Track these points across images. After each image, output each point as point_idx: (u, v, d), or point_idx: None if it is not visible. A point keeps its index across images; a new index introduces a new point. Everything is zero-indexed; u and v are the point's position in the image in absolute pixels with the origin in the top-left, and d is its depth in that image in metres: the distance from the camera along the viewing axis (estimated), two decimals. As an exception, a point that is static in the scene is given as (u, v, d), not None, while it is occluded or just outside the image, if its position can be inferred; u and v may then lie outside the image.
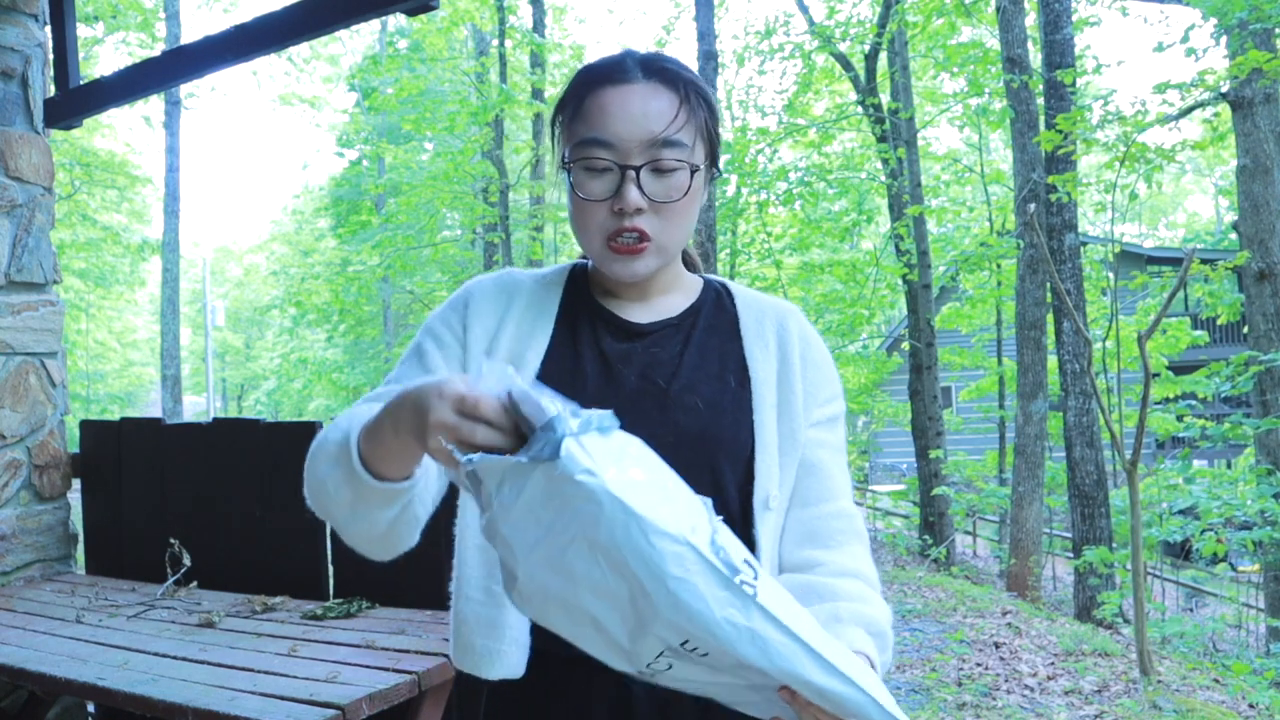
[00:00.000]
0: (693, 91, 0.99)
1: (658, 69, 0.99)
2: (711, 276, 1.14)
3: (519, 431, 0.72)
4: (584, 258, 1.12)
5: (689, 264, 1.14)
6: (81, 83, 3.31)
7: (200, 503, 2.82)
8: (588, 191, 0.97)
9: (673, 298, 1.08)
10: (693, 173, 0.98)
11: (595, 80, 0.98)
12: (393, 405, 0.81)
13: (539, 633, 0.97)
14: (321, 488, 0.90)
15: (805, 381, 1.05)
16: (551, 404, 0.69)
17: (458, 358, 1.04)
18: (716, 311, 1.09)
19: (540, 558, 0.70)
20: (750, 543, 1.01)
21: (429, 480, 0.93)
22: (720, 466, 0.99)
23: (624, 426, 0.90)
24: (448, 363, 1.03)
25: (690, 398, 1.00)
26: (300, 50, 18.56)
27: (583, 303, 1.07)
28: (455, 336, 1.05)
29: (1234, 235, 9.05)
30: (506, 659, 0.97)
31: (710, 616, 0.68)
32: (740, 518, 1.00)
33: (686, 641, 0.70)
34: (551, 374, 0.99)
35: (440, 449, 0.74)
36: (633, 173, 0.95)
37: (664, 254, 1.00)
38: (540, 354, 1.01)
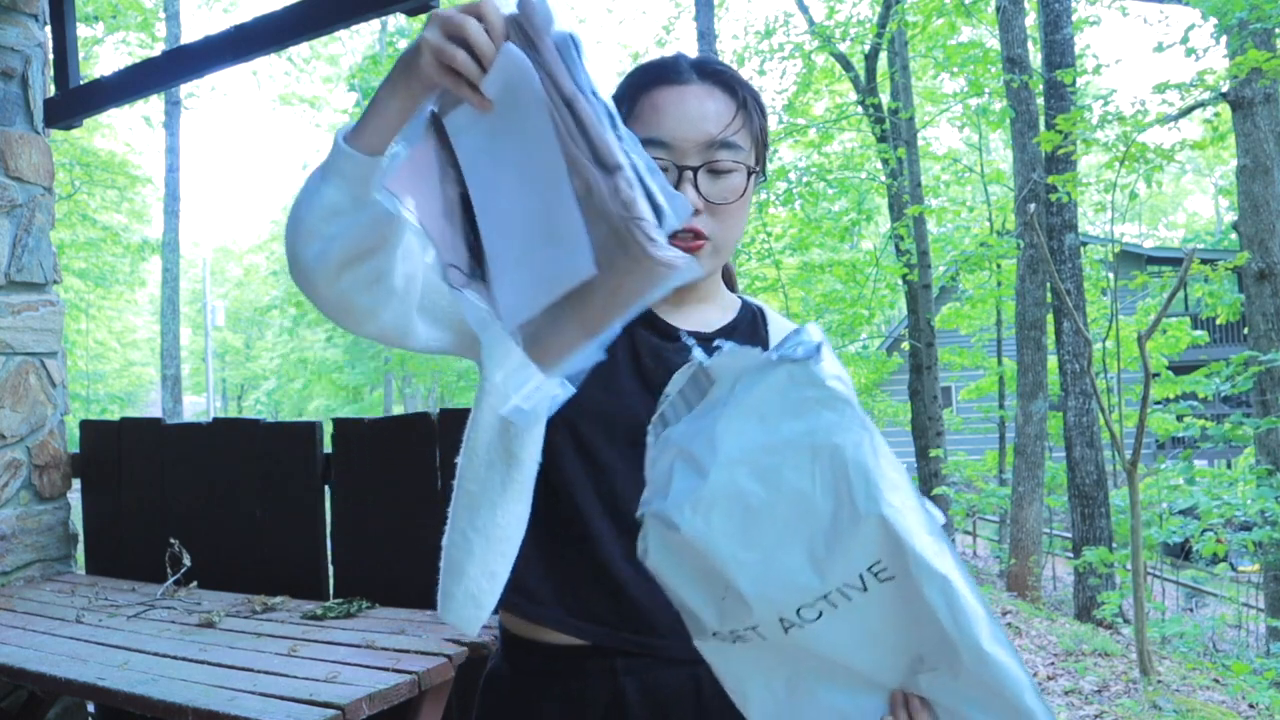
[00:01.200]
0: (748, 95, 0.99)
1: (712, 71, 0.98)
2: (749, 298, 1.14)
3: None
4: None
5: (728, 281, 1.13)
6: (81, 83, 3.31)
7: (200, 503, 2.82)
8: None
9: (708, 310, 1.06)
10: (749, 175, 0.98)
11: (649, 80, 0.97)
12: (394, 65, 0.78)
13: (563, 622, 0.96)
14: (302, 196, 0.85)
15: None
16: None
17: None
18: (750, 334, 1.08)
19: (748, 461, 0.70)
20: None
21: (409, 253, 0.87)
22: None
23: (636, 412, 0.92)
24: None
25: None
26: (300, 50, 18.56)
27: None
28: None
29: (1234, 235, 9.05)
30: (459, 607, 0.96)
31: (911, 546, 0.68)
32: None
33: (877, 563, 0.69)
34: None
35: (425, 62, 0.73)
36: (690, 173, 0.94)
37: (719, 256, 1.00)
38: None
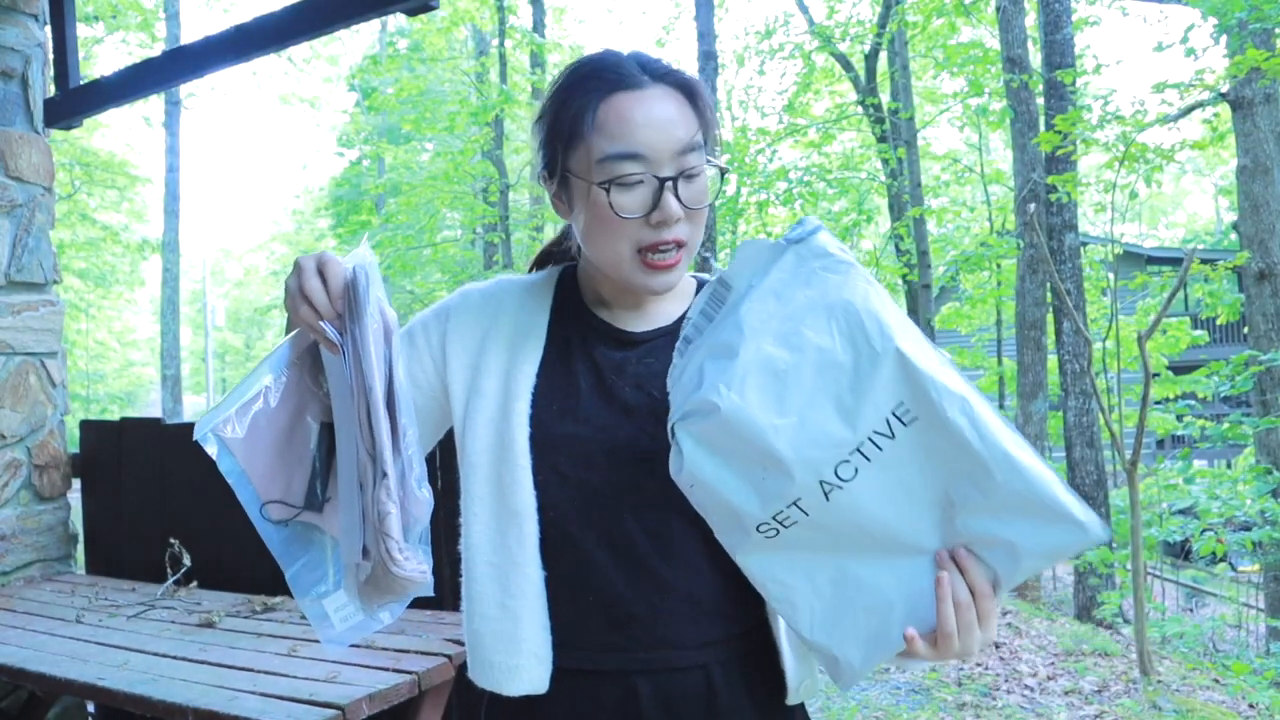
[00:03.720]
0: (699, 93, 0.97)
1: (663, 72, 0.96)
2: (703, 275, 1.11)
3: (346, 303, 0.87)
4: (572, 260, 1.10)
5: None
6: (81, 83, 3.31)
7: (200, 503, 2.81)
8: (625, 209, 0.92)
9: (667, 303, 1.05)
10: (721, 174, 0.98)
11: (605, 88, 0.94)
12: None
13: (562, 651, 0.97)
14: None
15: None
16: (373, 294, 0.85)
17: (435, 367, 1.04)
18: None
19: (772, 332, 0.76)
20: None
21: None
22: None
23: (616, 437, 0.96)
24: (421, 361, 1.04)
25: None
26: (300, 50, 18.57)
27: (573, 312, 1.04)
28: (430, 348, 1.05)
29: (1234, 235, 9.05)
30: (527, 674, 0.96)
31: (928, 374, 0.73)
32: None
33: (900, 404, 0.73)
34: (545, 389, 0.98)
35: (290, 298, 0.88)
36: (671, 183, 0.92)
37: (691, 258, 0.99)
38: (534, 369, 1.00)
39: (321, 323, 0.87)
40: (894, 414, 0.74)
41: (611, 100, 0.93)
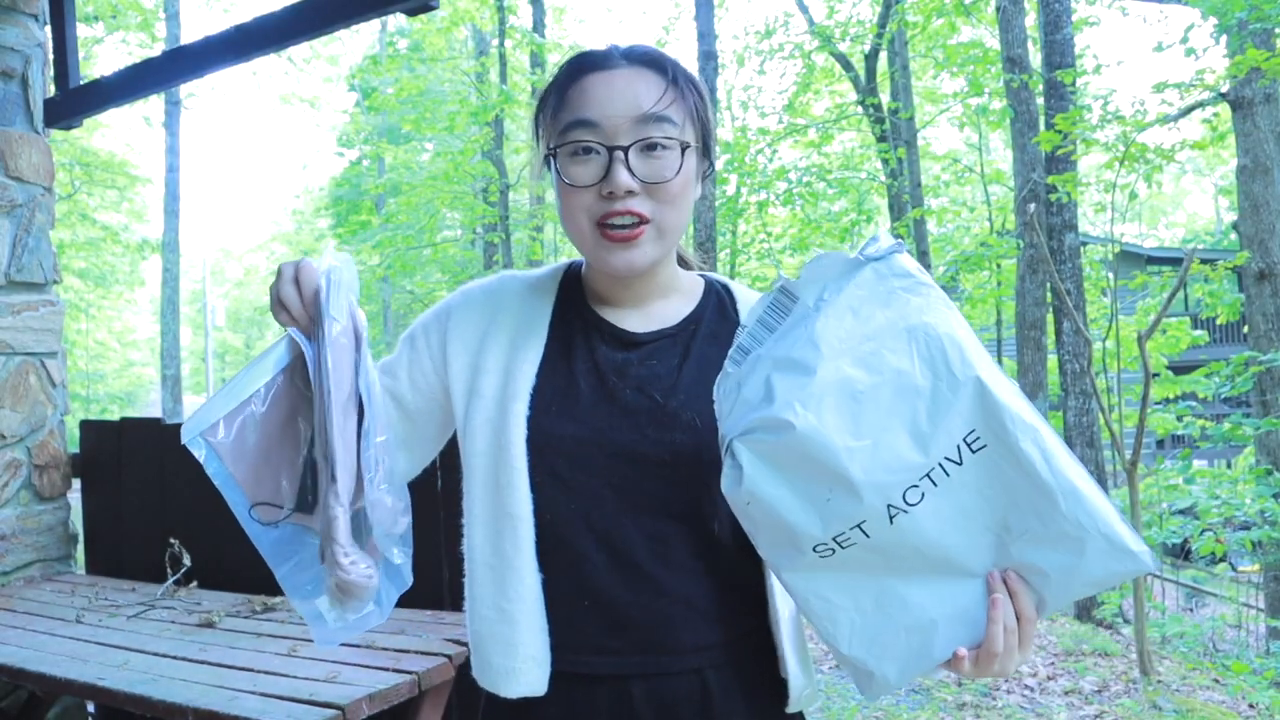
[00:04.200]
0: (680, 74, 0.96)
1: (641, 54, 0.96)
2: (713, 276, 1.09)
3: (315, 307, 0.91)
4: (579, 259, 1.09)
5: (684, 263, 1.09)
6: (81, 83, 3.31)
7: (200, 503, 2.81)
8: (573, 177, 0.92)
9: (671, 303, 1.03)
10: (683, 150, 0.93)
11: (578, 70, 0.96)
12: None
13: (560, 654, 0.96)
14: None
15: None
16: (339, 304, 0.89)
17: (435, 369, 1.04)
18: (719, 318, 1.04)
19: (851, 353, 0.75)
20: (748, 568, 0.98)
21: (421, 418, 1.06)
22: (715, 487, 0.92)
23: (616, 440, 0.95)
24: (421, 364, 1.04)
25: (688, 414, 0.95)
26: (300, 50, 18.57)
27: (576, 311, 1.03)
28: (430, 350, 1.04)
29: (1234, 235, 9.05)
30: (525, 677, 0.96)
31: (1004, 404, 0.73)
32: (731, 543, 0.96)
33: (971, 432, 0.74)
34: (544, 390, 0.97)
35: (271, 301, 0.92)
36: (620, 153, 0.90)
37: (663, 240, 0.95)
38: (534, 368, 0.98)
39: (290, 329, 0.91)
40: (965, 440, 0.74)
41: (581, 79, 0.95)
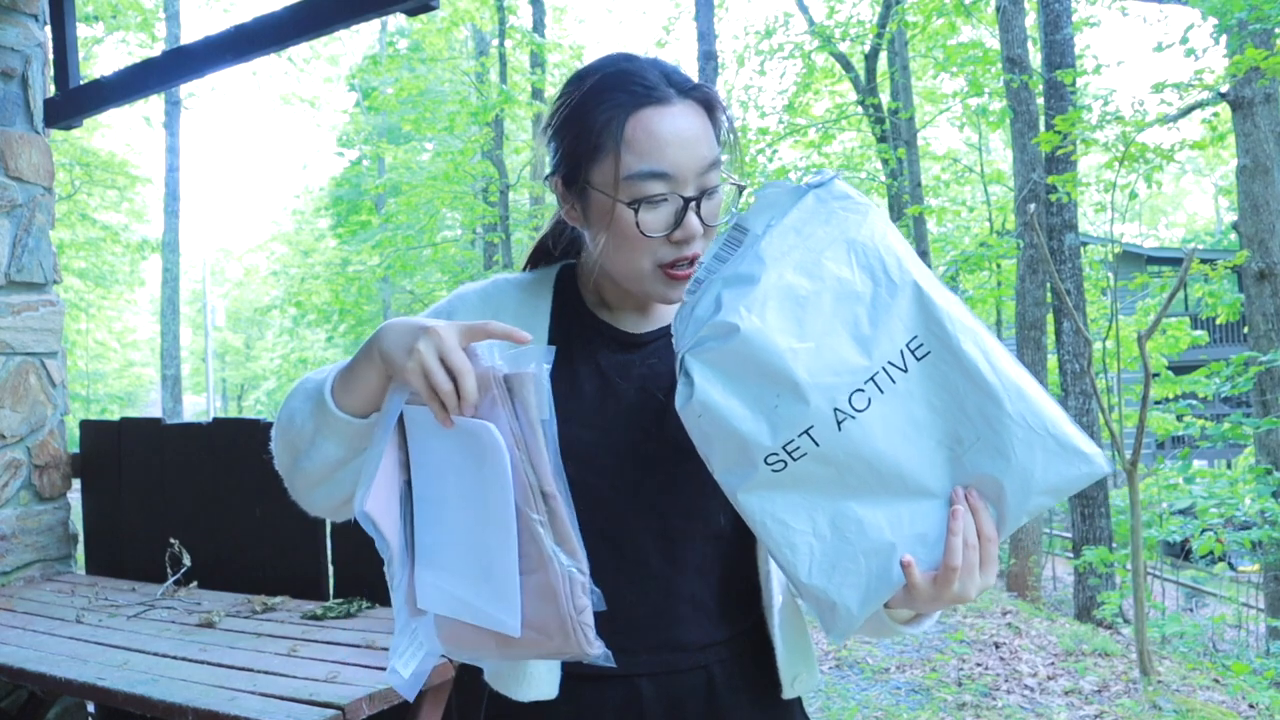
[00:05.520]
0: (717, 103, 0.96)
1: (688, 87, 0.94)
2: None
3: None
4: (570, 258, 1.08)
5: None
6: (81, 83, 3.31)
7: (200, 503, 2.82)
8: (649, 227, 0.91)
9: (672, 309, 1.04)
10: (738, 190, 0.97)
11: (634, 102, 0.91)
12: (375, 335, 0.86)
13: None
14: (290, 419, 0.94)
15: None
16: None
17: None
18: None
19: (793, 262, 0.78)
20: (752, 568, 0.99)
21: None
22: (717, 484, 0.97)
23: (622, 440, 0.96)
24: None
25: None
26: (300, 50, 18.57)
27: (575, 313, 1.03)
28: None
29: (1234, 235, 9.06)
30: (536, 680, 0.96)
31: (942, 308, 0.76)
32: (735, 539, 0.97)
33: (914, 338, 0.76)
34: None
35: (411, 370, 0.81)
36: (694, 203, 0.92)
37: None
38: None
39: (455, 417, 0.82)
40: (908, 347, 0.76)
41: (639, 115, 0.91)
